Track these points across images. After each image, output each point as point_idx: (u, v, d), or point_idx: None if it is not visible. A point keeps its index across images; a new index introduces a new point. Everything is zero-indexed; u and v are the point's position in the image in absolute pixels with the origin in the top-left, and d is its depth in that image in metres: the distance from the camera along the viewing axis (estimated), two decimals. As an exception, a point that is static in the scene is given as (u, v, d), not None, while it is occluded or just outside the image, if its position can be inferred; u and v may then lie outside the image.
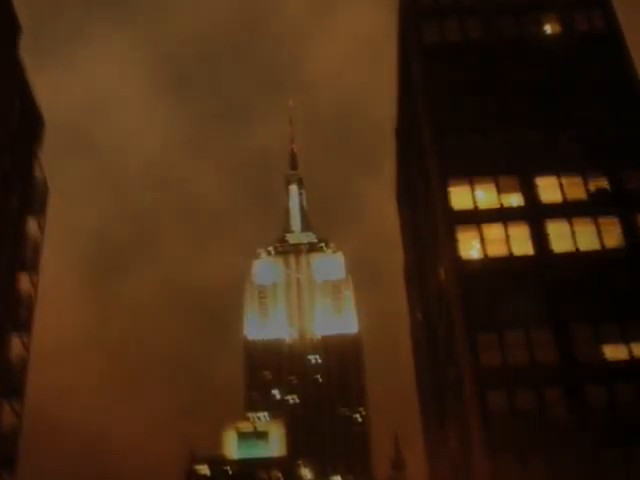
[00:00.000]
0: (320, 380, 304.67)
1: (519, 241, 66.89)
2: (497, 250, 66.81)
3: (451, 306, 66.11)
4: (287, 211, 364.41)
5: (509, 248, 66.72)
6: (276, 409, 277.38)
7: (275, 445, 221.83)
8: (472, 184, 69.87)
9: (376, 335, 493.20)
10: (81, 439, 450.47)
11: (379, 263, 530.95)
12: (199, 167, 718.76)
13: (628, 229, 66.63)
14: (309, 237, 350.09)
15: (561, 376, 61.10)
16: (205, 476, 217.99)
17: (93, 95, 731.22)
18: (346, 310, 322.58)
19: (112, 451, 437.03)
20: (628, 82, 73.64)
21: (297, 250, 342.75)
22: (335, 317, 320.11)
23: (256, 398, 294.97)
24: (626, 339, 62.03)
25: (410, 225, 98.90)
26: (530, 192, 69.03)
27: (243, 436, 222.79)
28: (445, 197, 69.40)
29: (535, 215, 67.83)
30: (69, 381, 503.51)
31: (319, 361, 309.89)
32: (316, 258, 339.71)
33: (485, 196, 69.62)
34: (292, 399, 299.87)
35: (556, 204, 68.41)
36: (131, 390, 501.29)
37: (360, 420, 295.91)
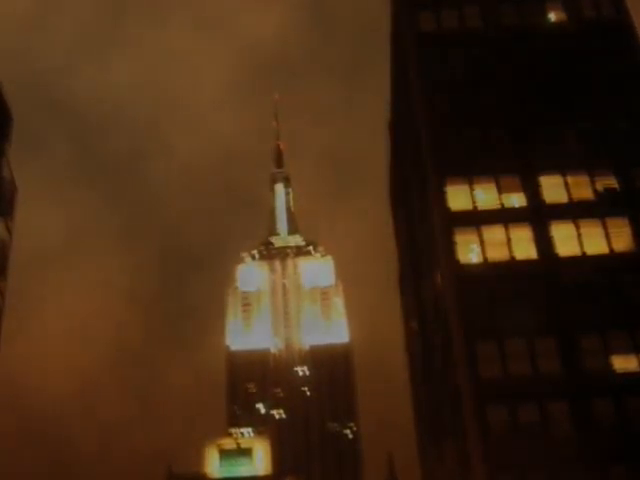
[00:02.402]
0: (308, 393, 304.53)
1: (521, 244, 66.79)
2: (498, 254, 66.68)
3: (448, 314, 65.89)
4: (273, 212, 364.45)
5: (510, 251, 66.61)
6: (261, 424, 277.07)
7: (260, 463, 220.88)
8: (471, 183, 69.76)
9: (368, 345, 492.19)
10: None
11: (371, 268, 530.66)
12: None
13: (638, 231, 66.59)
14: (296, 240, 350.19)
15: (566, 389, 60.97)
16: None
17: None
18: (336, 318, 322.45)
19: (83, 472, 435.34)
20: (639, 73, 73.66)
21: (283, 254, 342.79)
22: (324, 326, 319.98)
23: (239, 412, 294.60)
24: (636, 349, 62.02)
25: (405, 227, 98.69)
26: (533, 192, 68.94)
27: (225, 453, 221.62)
28: (442, 197, 69.24)
29: (538, 216, 67.74)
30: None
31: (307, 373, 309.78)
32: (303, 262, 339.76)
33: (485, 196, 69.48)
34: (278, 414, 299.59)
35: (561, 204, 68.37)
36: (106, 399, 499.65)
37: (351, 436, 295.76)
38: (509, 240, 66.92)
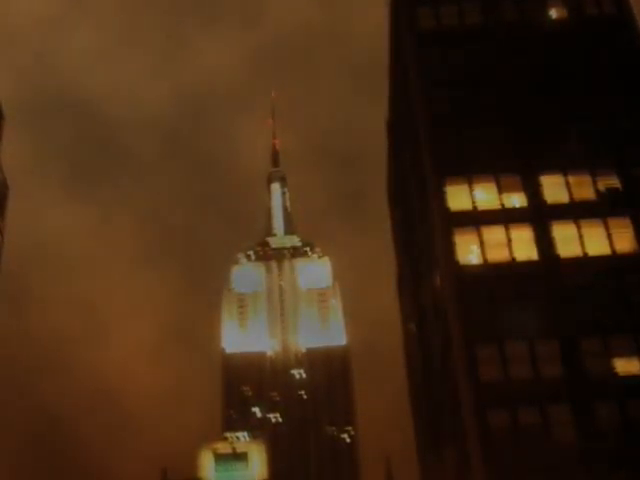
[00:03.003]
0: (305, 397, 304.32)
1: (522, 245, 66.72)
2: (498, 255, 66.60)
3: (448, 316, 65.81)
4: (269, 212, 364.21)
5: (511, 253, 66.52)
6: (257, 428, 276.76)
7: (255, 468, 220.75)
8: (471, 183, 69.68)
9: (366, 348, 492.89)
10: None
11: (369, 269, 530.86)
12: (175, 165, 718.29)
13: (641, 232, 66.57)
14: (293, 241, 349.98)
15: (568, 392, 60.89)
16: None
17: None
18: (333, 320, 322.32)
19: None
20: (641, 71, 73.71)
21: (280, 255, 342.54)
22: (321, 328, 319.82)
23: (235, 416, 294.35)
24: (639, 352, 61.93)
25: (403, 227, 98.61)
26: (534, 192, 68.88)
27: (220, 458, 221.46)
28: (441, 197, 69.16)
29: (539, 217, 67.67)
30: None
31: (303, 376, 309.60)
32: (300, 264, 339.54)
33: (485, 196, 69.41)
34: (274, 417, 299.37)
35: (562, 205, 68.30)
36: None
37: (348, 440, 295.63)
38: (509, 241, 66.83)
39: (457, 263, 66.48)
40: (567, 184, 68.92)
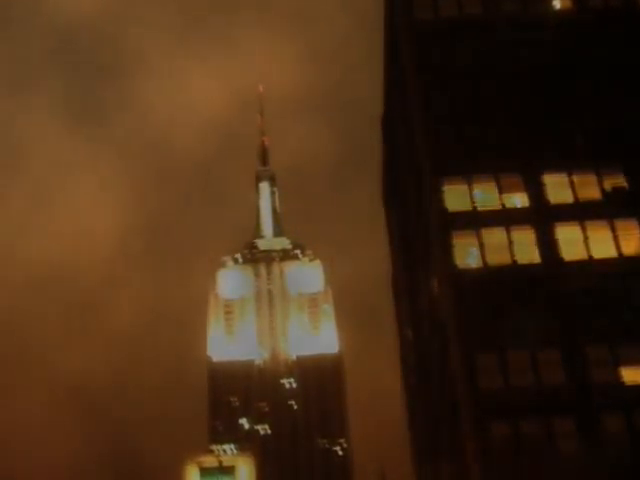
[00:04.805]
0: (295, 407, 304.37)
1: (523, 247, 66.77)
2: (498, 258, 66.65)
3: (445, 322, 65.84)
4: (257, 213, 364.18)
5: (512, 255, 66.58)
6: (244, 440, 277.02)
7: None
8: (470, 182, 69.73)
9: (359, 356, 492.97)
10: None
11: (363, 273, 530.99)
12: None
13: (649, 233, 66.70)
14: (282, 243, 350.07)
15: (572, 403, 60.97)
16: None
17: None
18: (325, 327, 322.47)
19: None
20: (648, 66, 73.81)
21: (269, 258, 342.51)
22: (312, 335, 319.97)
23: (221, 428, 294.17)
24: (647, 360, 62.11)
25: (399, 229, 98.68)
26: (536, 191, 68.96)
27: (206, 472, 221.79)
28: (439, 197, 69.17)
29: (542, 218, 67.75)
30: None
31: (294, 385, 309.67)
32: (290, 267, 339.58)
33: (485, 196, 69.47)
34: (263, 429, 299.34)
35: (566, 205, 68.40)
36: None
37: (341, 453, 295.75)
38: (510, 243, 66.86)
39: (455, 266, 66.49)
40: (571, 184, 69.00)
